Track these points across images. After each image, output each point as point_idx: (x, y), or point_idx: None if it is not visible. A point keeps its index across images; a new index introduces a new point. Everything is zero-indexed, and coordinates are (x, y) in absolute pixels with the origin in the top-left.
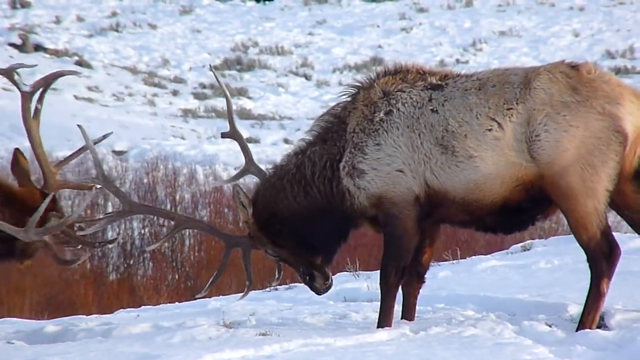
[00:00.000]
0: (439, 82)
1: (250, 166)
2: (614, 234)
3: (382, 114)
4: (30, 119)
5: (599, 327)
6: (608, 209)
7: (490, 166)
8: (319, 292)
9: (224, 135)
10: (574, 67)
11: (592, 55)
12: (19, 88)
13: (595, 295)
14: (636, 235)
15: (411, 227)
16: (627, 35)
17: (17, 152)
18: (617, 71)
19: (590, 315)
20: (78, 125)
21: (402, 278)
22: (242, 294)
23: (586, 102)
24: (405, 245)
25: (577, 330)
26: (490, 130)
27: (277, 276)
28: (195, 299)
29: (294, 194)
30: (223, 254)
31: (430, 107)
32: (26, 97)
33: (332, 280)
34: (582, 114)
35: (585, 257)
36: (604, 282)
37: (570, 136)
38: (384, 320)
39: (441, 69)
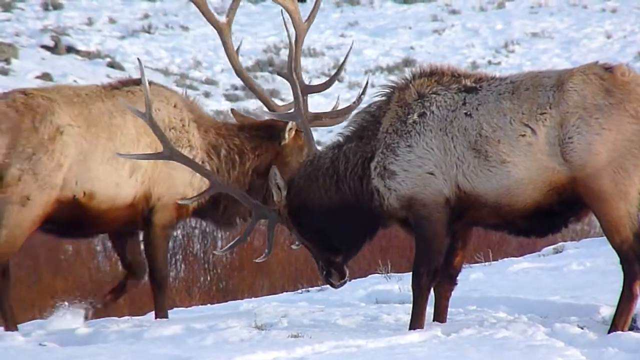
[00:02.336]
0: (473, 85)
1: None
2: None
3: (415, 116)
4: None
5: (631, 329)
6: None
7: (523, 171)
8: (333, 286)
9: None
10: (608, 69)
11: (624, 56)
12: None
13: (627, 297)
14: None
15: (441, 230)
16: (624, 44)
17: (233, 111)
18: None
19: (623, 317)
20: (138, 59)
21: (434, 280)
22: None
23: (619, 105)
24: (436, 247)
25: (609, 333)
26: (523, 135)
27: (266, 252)
28: (214, 254)
29: (325, 187)
30: (249, 223)
31: (464, 111)
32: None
33: (348, 277)
34: (615, 117)
35: (617, 259)
36: (636, 284)
37: (602, 139)
38: (416, 321)
39: (476, 72)
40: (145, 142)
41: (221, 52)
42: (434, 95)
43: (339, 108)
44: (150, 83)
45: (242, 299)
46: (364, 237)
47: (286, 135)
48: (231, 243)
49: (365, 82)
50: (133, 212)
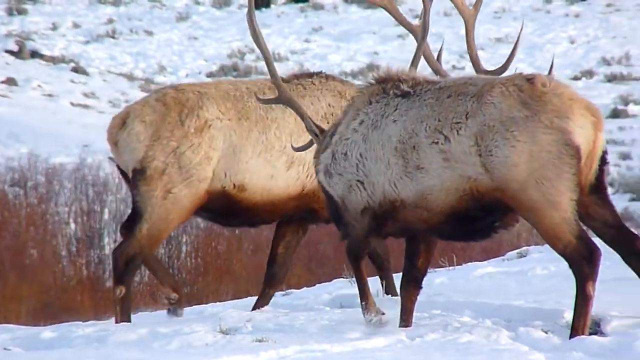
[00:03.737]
0: (408, 90)
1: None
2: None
3: (356, 123)
4: None
5: (595, 333)
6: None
7: (435, 178)
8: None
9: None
10: (530, 79)
11: (588, 61)
12: None
13: (582, 299)
14: None
15: (361, 235)
16: (623, 42)
17: None
18: (613, 78)
19: (581, 320)
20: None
21: (361, 257)
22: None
23: (534, 117)
24: (355, 251)
25: (570, 337)
26: (436, 143)
27: None
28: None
29: None
30: None
31: (392, 118)
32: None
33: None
34: (530, 129)
35: None
36: (589, 285)
37: (518, 151)
38: (362, 296)
39: (418, 76)
40: (308, 135)
41: (186, 56)
42: (375, 103)
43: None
44: (326, 77)
45: (206, 304)
46: None
47: None
48: None
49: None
50: (301, 203)
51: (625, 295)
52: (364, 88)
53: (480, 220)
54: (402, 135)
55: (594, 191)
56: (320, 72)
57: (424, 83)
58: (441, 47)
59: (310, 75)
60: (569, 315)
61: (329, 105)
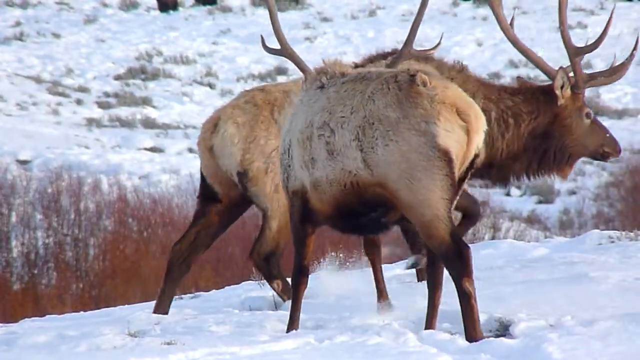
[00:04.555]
0: (323, 83)
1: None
2: (519, 242)
3: (291, 110)
4: None
5: (502, 335)
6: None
7: (321, 170)
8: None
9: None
10: (412, 76)
11: (495, 64)
12: None
13: (463, 297)
14: (539, 243)
15: (294, 221)
16: (530, 45)
17: (518, 78)
18: None
19: (469, 320)
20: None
21: (302, 276)
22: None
23: (405, 120)
24: (294, 240)
25: (466, 339)
26: (324, 135)
27: None
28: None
29: None
30: None
31: (304, 108)
32: None
33: None
34: (401, 130)
35: (490, 265)
36: (466, 282)
37: (391, 150)
38: (290, 323)
39: (348, 68)
40: None
41: (94, 59)
42: (305, 92)
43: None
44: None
45: (115, 306)
46: None
47: (558, 94)
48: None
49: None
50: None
51: (533, 297)
52: (306, 77)
53: (364, 215)
54: (302, 126)
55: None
56: (394, 51)
57: (339, 76)
58: (512, 17)
59: (384, 55)
60: None
61: None
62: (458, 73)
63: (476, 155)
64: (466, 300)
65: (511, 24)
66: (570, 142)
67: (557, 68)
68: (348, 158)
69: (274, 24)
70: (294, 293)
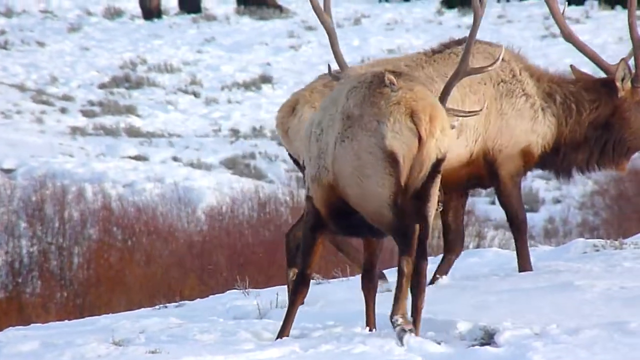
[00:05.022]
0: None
1: None
2: (504, 251)
3: None
4: None
5: (487, 344)
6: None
7: (312, 168)
8: None
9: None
10: (380, 76)
11: None
12: None
13: (399, 274)
14: None
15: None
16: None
17: (572, 67)
18: None
19: (396, 297)
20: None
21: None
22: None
23: (361, 118)
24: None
25: (390, 315)
26: (316, 133)
27: None
28: None
29: None
30: None
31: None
32: None
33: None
34: (356, 128)
35: (474, 273)
36: (404, 260)
37: (345, 147)
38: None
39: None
40: (471, 101)
41: (78, 67)
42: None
43: None
44: (476, 41)
45: (99, 315)
46: None
47: (619, 86)
48: None
49: None
50: (472, 169)
51: (518, 306)
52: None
53: (352, 214)
54: (307, 126)
55: (416, 198)
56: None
57: (347, 76)
58: (564, 9)
59: (459, 42)
60: (461, 326)
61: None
62: (519, 59)
63: (439, 160)
64: (400, 277)
65: (563, 13)
66: (629, 136)
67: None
68: (328, 156)
69: (333, 48)
70: (291, 301)
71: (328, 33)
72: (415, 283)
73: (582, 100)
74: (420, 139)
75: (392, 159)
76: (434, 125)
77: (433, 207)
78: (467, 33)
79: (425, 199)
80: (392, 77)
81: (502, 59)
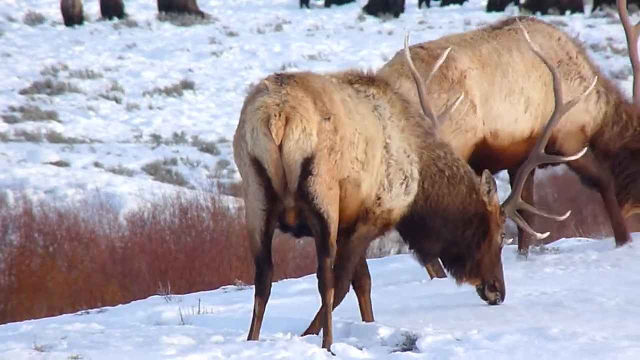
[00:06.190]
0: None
1: None
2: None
3: None
4: None
5: (409, 349)
6: None
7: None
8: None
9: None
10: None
11: None
12: None
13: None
14: None
15: None
16: None
17: None
18: None
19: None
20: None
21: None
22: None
23: (242, 124)
24: None
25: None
26: None
27: None
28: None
29: None
30: None
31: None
32: None
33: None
34: (237, 136)
35: (396, 279)
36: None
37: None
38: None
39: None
40: (535, 76)
41: None
42: None
43: None
44: (532, 19)
45: (21, 321)
46: None
47: None
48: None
49: None
50: (528, 147)
51: (439, 312)
52: None
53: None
54: None
55: (301, 199)
56: (526, 16)
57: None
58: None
59: (515, 20)
60: (383, 332)
61: (540, 45)
62: (576, 43)
63: (307, 159)
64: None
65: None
66: None
67: None
68: None
69: (420, 94)
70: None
71: (416, 80)
72: (320, 278)
73: (632, 119)
74: (280, 143)
75: (255, 166)
76: (290, 127)
77: (326, 204)
78: (387, 39)
79: (309, 198)
80: (267, 82)
81: (559, 39)
